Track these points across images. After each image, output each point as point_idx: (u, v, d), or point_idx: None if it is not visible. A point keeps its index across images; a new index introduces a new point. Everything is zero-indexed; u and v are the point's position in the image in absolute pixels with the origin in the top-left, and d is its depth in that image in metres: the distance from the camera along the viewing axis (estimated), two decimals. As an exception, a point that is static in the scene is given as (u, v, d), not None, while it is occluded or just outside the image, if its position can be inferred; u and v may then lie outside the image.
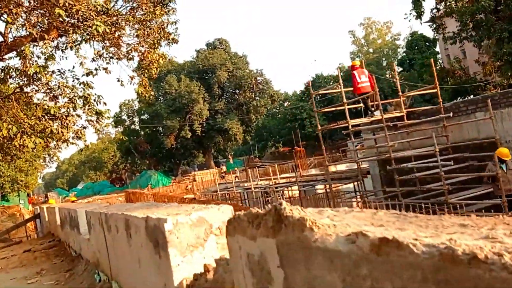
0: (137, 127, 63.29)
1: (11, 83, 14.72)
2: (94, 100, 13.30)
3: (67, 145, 13.45)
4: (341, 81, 13.48)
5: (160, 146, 56.29)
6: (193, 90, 48.82)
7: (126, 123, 63.83)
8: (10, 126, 11.87)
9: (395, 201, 10.50)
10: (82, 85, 13.19)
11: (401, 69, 70.30)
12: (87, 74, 13.30)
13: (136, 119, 64.20)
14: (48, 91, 13.22)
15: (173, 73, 52.64)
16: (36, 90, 13.34)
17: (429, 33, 69.89)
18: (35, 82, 13.14)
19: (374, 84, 12.93)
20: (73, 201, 16.57)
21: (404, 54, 72.47)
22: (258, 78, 52.84)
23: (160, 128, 60.00)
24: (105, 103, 13.44)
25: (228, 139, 54.91)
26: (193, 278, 2.45)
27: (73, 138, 13.47)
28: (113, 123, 69.70)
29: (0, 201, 40.01)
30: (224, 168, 50.00)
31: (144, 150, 58.85)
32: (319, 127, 14.22)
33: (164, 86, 50.22)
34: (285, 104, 67.92)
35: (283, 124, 64.82)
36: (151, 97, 14.76)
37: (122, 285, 4.53)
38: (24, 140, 11.97)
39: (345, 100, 12.30)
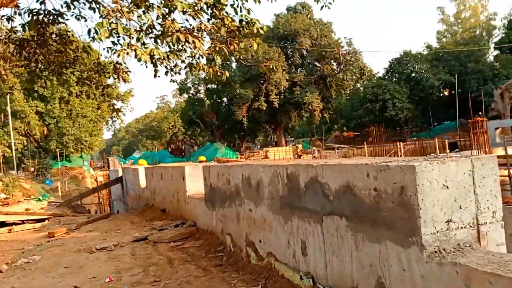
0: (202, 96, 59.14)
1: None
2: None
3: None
4: None
5: (227, 118, 51.66)
6: (272, 57, 43.28)
7: (191, 92, 59.73)
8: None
9: None
10: None
11: (497, 52, 61.49)
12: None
13: (202, 88, 59.99)
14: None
15: (249, 38, 47.42)
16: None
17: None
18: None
19: None
20: (201, 161, 12.07)
21: (504, 35, 62.94)
22: (346, 48, 46.38)
23: (225, 99, 55.45)
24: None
25: (303, 115, 49.37)
26: None
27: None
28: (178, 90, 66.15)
29: (62, 160, 36.91)
30: (300, 146, 44.61)
31: (210, 121, 54.53)
32: None
33: (240, 51, 45.08)
34: (358, 84, 61.01)
35: (361, 105, 58.27)
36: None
37: None
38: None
39: None
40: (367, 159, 3.19)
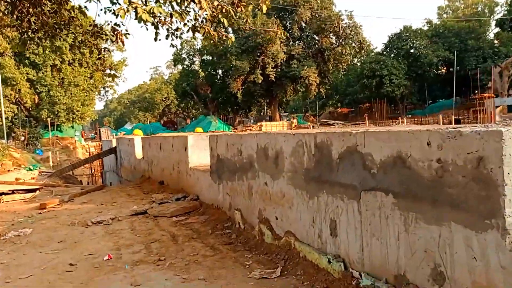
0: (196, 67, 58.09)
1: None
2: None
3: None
4: None
5: (221, 90, 50.83)
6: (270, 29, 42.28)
7: (186, 63, 58.59)
8: None
9: None
10: None
11: (498, 29, 60.72)
12: None
13: (196, 59, 58.82)
14: None
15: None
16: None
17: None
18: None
19: None
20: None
21: (506, 12, 61.97)
22: (346, 21, 45.20)
23: (220, 71, 54.51)
24: None
25: (299, 90, 48.61)
26: None
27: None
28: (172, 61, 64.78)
29: (53, 130, 36.13)
30: (295, 121, 44.16)
31: (204, 93, 53.65)
32: None
33: (237, 21, 43.92)
34: (355, 59, 60.03)
35: (357, 80, 57.52)
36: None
37: None
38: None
39: None
40: (417, 126, 2.76)
